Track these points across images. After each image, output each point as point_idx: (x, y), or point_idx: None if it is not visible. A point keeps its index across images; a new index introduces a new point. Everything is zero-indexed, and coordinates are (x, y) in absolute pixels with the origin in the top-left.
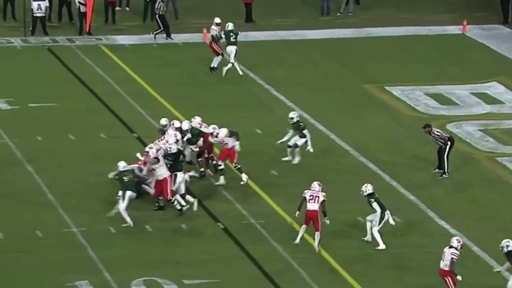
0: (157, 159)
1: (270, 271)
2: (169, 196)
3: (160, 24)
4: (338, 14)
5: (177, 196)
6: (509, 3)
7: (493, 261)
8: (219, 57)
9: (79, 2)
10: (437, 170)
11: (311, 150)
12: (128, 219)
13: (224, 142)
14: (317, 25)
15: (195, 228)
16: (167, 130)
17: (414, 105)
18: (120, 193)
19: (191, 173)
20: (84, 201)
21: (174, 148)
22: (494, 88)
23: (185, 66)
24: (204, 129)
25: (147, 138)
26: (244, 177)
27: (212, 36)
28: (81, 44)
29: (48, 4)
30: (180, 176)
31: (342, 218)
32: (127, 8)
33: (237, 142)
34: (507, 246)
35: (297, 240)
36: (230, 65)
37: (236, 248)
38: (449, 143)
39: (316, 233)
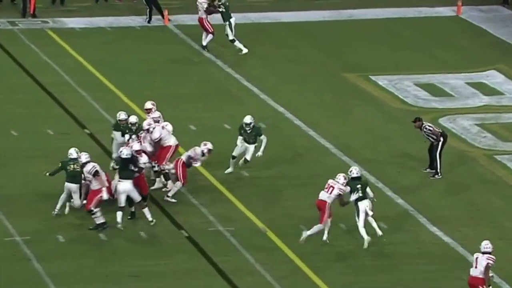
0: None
1: (241, 286)
2: (91, 206)
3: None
4: None
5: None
6: None
7: (491, 272)
8: (210, 36)
9: None
10: (428, 170)
11: (260, 154)
12: (57, 206)
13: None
14: (293, 7)
15: (155, 237)
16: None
17: (402, 96)
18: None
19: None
20: (28, 206)
21: (124, 153)
22: (493, 77)
23: (143, 53)
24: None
25: (100, 134)
26: (170, 185)
27: (207, 8)
28: (24, 27)
29: None
30: (124, 185)
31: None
32: None
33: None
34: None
35: (324, 237)
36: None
37: (202, 259)
38: (441, 139)
39: (319, 225)
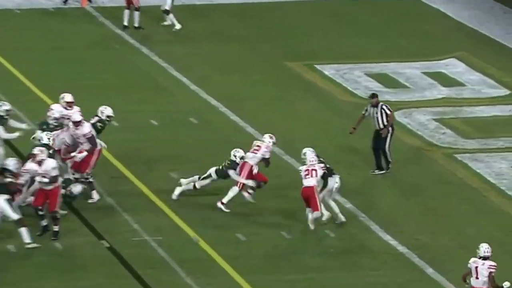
0: None
1: None
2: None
3: None
4: None
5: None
6: None
7: (452, 286)
8: (137, 13)
9: None
10: (377, 171)
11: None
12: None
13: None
14: None
15: (72, 248)
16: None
17: (352, 88)
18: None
19: None
20: None
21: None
22: (453, 66)
23: (55, 38)
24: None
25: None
26: (95, 196)
27: None
28: None
29: None
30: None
31: (265, 239)
32: None
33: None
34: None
35: (324, 218)
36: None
37: (126, 273)
38: (391, 130)
39: (315, 212)
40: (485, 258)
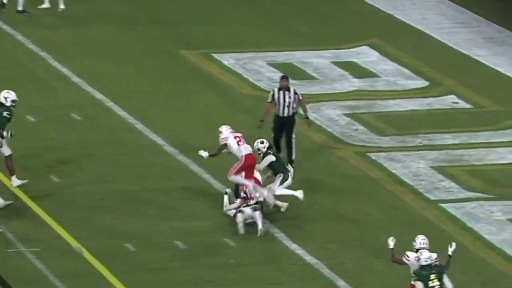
0: None
1: None
2: None
3: None
4: None
5: None
6: None
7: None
8: None
9: None
10: (289, 166)
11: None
12: None
13: None
14: None
15: None
16: None
17: (253, 79)
18: None
19: None
20: None
21: None
22: (365, 55)
23: None
24: None
25: None
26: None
27: None
28: None
29: None
30: None
31: (157, 249)
32: None
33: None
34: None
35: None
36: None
37: None
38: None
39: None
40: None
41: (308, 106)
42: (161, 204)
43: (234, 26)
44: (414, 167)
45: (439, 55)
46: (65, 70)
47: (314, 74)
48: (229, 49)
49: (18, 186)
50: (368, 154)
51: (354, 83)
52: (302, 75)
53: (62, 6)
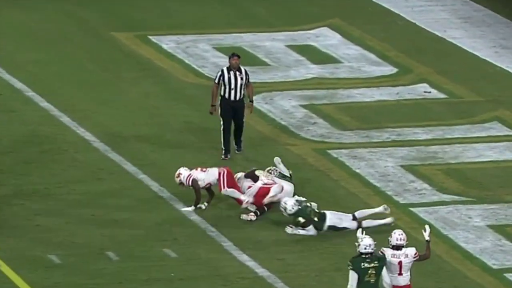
0: None
1: None
2: None
3: None
4: None
5: None
6: None
7: None
8: None
9: None
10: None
11: None
12: None
13: None
14: None
15: None
16: None
17: (196, 66)
18: None
19: None
20: None
21: None
22: (324, 38)
23: None
24: None
25: None
26: None
27: None
28: None
29: None
30: None
31: (85, 261)
32: None
33: None
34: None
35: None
36: None
37: None
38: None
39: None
40: (398, 248)
41: (259, 96)
42: (90, 209)
43: (175, 4)
44: (381, 166)
45: (409, 37)
46: None
47: (266, 60)
48: (169, 31)
49: None
50: (328, 151)
51: (312, 70)
52: (253, 61)
53: None
